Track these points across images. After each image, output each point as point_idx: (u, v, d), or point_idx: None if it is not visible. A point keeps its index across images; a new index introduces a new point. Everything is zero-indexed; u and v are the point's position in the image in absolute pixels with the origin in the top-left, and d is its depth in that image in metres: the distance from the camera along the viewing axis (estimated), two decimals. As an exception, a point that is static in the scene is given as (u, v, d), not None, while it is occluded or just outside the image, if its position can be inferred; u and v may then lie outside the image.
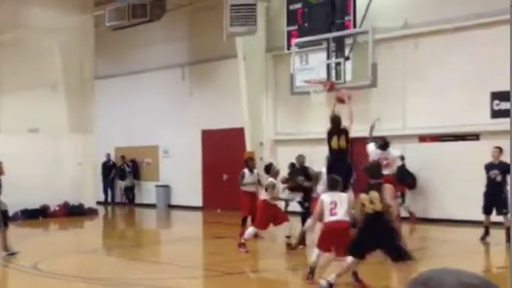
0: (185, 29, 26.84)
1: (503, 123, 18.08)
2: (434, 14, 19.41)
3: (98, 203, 26.67)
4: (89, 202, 25.27)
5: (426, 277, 1.85)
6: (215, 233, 19.63)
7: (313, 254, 11.48)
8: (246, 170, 17.04)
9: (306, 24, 21.31)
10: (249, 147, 23.27)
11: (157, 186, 27.81)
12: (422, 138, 20.03)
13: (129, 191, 28.96)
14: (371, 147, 15.25)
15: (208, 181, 25.94)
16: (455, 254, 13.95)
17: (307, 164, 16.80)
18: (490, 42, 18.35)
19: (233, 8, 21.12)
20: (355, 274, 10.95)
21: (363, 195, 9.81)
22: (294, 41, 20.55)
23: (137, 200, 28.84)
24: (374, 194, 9.67)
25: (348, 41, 19.72)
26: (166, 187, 27.60)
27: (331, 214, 11.14)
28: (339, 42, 19.63)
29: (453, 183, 18.80)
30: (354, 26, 20.05)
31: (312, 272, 11.31)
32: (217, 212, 24.58)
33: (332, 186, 11.56)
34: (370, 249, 10.08)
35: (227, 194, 23.64)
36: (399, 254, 9.76)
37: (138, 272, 13.00)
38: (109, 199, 29.55)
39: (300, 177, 16.07)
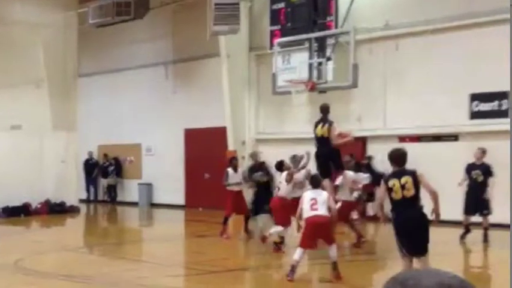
0: (169, 27, 26.88)
1: (481, 124, 18.37)
2: (414, 16, 19.60)
3: (80, 200, 26.68)
4: (71, 200, 25.28)
5: (405, 277, 1.85)
6: (197, 231, 19.69)
7: (296, 252, 11.67)
8: (229, 169, 17.09)
9: (289, 24, 21.36)
10: (231, 146, 23.39)
11: (139, 184, 27.84)
12: (402, 139, 20.18)
13: (112, 189, 28.97)
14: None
15: (190, 179, 26.02)
16: (433, 254, 14.10)
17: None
18: (470, 44, 18.59)
19: (217, 7, 21.17)
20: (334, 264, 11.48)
21: (392, 181, 9.31)
22: (277, 40, 20.65)
23: (119, 198, 28.83)
24: (408, 180, 9.27)
25: (330, 41, 19.82)
26: (149, 185, 27.64)
27: (312, 209, 11.43)
28: (321, 43, 19.72)
29: (432, 183, 18.92)
30: (336, 27, 20.22)
31: (292, 269, 11.50)
32: (199, 210, 24.66)
33: (314, 184, 11.90)
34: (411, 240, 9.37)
35: (209, 193, 23.74)
36: (421, 248, 9.34)
37: (119, 270, 13.05)
38: (91, 197, 29.55)
39: (257, 174, 16.25)
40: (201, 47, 24.27)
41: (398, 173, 9.36)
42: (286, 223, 14.49)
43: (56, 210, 24.29)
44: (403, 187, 9.20)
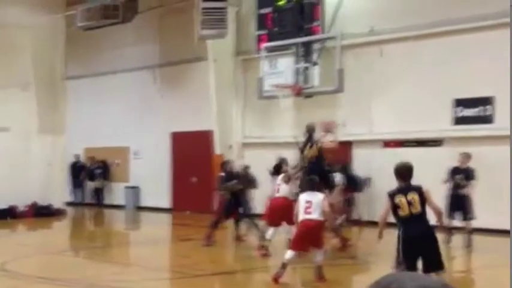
0: (156, 31, 26.93)
1: (465, 129, 18.55)
2: (399, 22, 19.71)
3: (67, 203, 26.68)
4: (58, 203, 25.29)
5: (388, 281, 1.86)
6: (183, 235, 19.76)
7: (287, 253, 11.80)
8: (222, 174, 17.20)
9: (276, 29, 21.49)
10: (217, 150, 23.48)
11: (126, 187, 27.86)
12: (387, 143, 20.35)
13: (99, 192, 28.98)
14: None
15: (177, 183, 26.07)
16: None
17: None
18: (453, 49, 18.75)
19: (204, 11, 21.28)
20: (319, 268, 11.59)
21: (398, 198, 9.02)
22: (263, 45, 20.79)
23: (106, 201, 28.81)
24: (414, 196, 9.02)
25: (316, 46, 19.99)
26: (136, 188, 27.66)
27: (306, 213, 11.54)
28: (307, 48, 19.89)
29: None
30: (322, 32, 20.33)
31: (282, 266, 11.64)
32: (186, 213, 24.71)
33: (309, 187, 11.99)
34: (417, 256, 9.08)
35: (196, 196, 23.82)
36: (440, 263, 9.16)
37: (105, 274, 13.08)
38: (78, 200, 29.53)
39: (231, 182, 16.35)
40: (189, 51, 24.36)
41: (405, 189, 9.04)
42: (291, 223, 14.20)
43: (42, 213, 24.28)
44: (409, 203, 8.93)
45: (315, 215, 11.50)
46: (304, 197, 11.78)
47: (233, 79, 23.93)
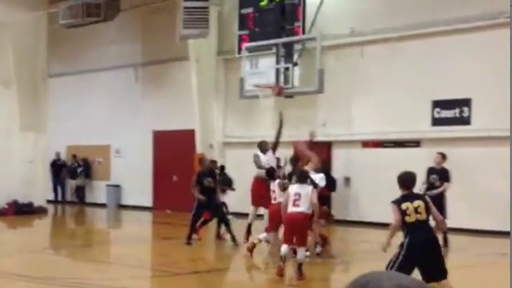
0: (138, 29, 27.00)
1: (443, 131, 18.79)
2: (379, 23, 19.90)
3: (48, 201, 26.68)
4: (39, 201, 25.26)
5: (365, 280, 1.86)
6: (164, 233, 19.83)
7: (282, 247, 11.99)
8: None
9: (257, 29, 21.59)
10: (199, 150, 23.59)
11: (108, 185, 27.92)
12: (366, 144, 20.56)
13: (80, 190, 29.00)
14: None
15: (158, 182, 26.17)
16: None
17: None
18: (433, 51, 18.98)
19: (186, 11, 21.32)
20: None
21: (406, 204, 9.04)
22: (245, 45, 20.88)
23: (88, 200, 28.87)
24: (420, 204, 9.10)
25: (297, 46, 20.08)
26: (117, 187, 27.73)
27: (294, 205, 11.79)
28: (288, 48, 19.92)
29: (393, 189, 19.26)
30: (303, 33, 20.48)
31: (281, 260, 11.87)
32: (167, 212, 24.80)
33: (300, 179, 12.21)
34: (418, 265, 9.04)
35: (177, 195, 23.92)
36: (444, 270, 9.11)
37: (85, 272, 13.11)
38: (59, 198, 29.55)
39: (207, 179, 16.45)
40: (171, 50, 24.44)
41: (411, 197, 9.15)
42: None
43: (23, 211, 24.26)
44: (415, 210, 9.01)
45: (302, 208, 11.76)
46: (293, 189, 12.03)
47: (215, 79, 24.05)
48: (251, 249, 14.50)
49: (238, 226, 16.94)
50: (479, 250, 13.66)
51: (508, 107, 17.70)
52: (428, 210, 9.06)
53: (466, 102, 18.52)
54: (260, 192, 15.61)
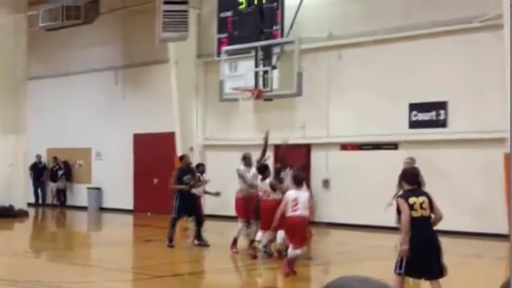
0: (118, 32, 27.07)
1: (420, 133, 19.05)
2: (357, 27, 20.12)
3: (29, 204, 26.64)
4: (20, 204, 25.19)
5: (337, 284, 1.88)
6: (145, 236, 19.90)
7: (289, 249, 12.40)
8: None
9: (236, 32, 21.78)
10: (179, 152, 23.68)
11: (89, 188, 27.95)
12: (344, 146, 20.77)
13: (61, 193, 28.99)
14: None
15: (139, 184, 26.24)
16: (372, 259, 14.59)
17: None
18: (409, 55, 19.23)
19: (165, 14, 21.40)
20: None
21: (412, 199, 9.09)
22: (224, 48, 21.06)
23: (69, 202, 28.87)
24: (425, 200, 9.14)
25: (276, 50, 20.25)
26: (98, 190, 27.77)
27: (293, 210, 12.13)
28: (267, 51, 20.10)
29: (372, 191, 19.50)
30: (282, 36, 20.64)
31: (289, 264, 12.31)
32: (148, 215, 24.88)
33: (297, 183, 12.54)
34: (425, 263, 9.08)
35: (158, 198, 24.00)
36: (444, 267, 9.13)
37: (66, 275, 13.10)
38: (39, 201, 29.52)
39: (187, 177, 16.59)
40: (151, 53, 24.52)
41: (416, 192, 9.24)
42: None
43: (3, 214, 24.16)
44: (421, 206, 9.06)
45: (301, 212, 12.16)
46: (291, 194, 12.34)
47: (195, 81, 24.18)
48: (255, 255, 14.60)
49: (214, 228, 17.08)
50: (455, 251, 13.87)
51: (483, 110, 18.07)
52: (431, 207, 9.14)
53: (442, 105, 18.79)
54: (245, 208, 15.60)
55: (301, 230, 12.34)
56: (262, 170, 14.89)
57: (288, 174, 14.48)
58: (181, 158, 17.57)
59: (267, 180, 14.53)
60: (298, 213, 12.16)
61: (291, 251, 12.25)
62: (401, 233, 9.22)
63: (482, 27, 17.87)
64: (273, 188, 14.33)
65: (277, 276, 13.76)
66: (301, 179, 12.71)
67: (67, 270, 14.00)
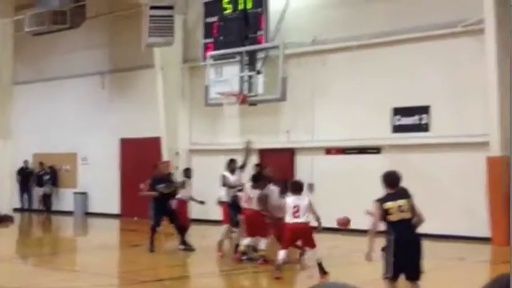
0: (105, 37, 27.12)
1: (403, 137, 19.23)
2: (341, 32, 20.27)
3: (14, 210, 26.61)
4: (6, 209, 25.18)
5: None
6: (131, 240, 19.93)
7: (280, 254, 12.58)
8: (186, 179, 17.48)
9: (221, 37, 21.82)
10: (165, 157, 23.78)
11: (75, 193, 27.95)
12: (328, 151, 20.91)
13: (47, 198, 28.98)
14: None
15: (125, 189, 26.24)
16: (357, 263, 14.69)
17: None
18: (393, 59, 19.39)
19: (151, 19, 21.46)
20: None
21: (389, 203, 9.19)
22: (209, 53, 21.17)
23: (55, 207, 28.83)
24: (404, 202, 9.24)
25: (260, 55, 20.35)
26: (84, 194, 27.78)
27: (294, 217, 12.35)
28: (252, 56, 20.22)
29: (356, 194, 19.58)
30: (266, 41, 20.75)
31: (278, 268, 12.56)
32: (134, 220, 24.90)
33: (295, 190, 12.73)
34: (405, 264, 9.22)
35: (144, 202, 23.98)
36: (419, 271, 9.27)
37: (52, 280, 13.18)
38: (25, 206, 29.48)
39: (161, 185, 16.69)
40: (137, 57, 24.54)
41: (394, 196, 9.29)
42: (265, 234, 14.40)
43: (-11, 220, 24.20)
44: (399, 209, 9.14)
45: (303, 218, 12.36)
46: (292, 201, 12.52)
47: (180, 86, 24.25)
48: (240, 258, 14.65)
49: (199, 232, 17.15)
50: (438, 254, 14.03)
51: (465, 114, 18.27)
52: (412, 209, 9.22)
53: (425, 110, 18.97)
54: (229, 213, 15.71)
55: (306, 234, 12.57)
56: (257, 178, 14.80)
57: (273, 191, 14.35)
58: (155, 166, 17.62)
59: (257, 191, 14.48)
60: (299, 220, 12.39)
61: (316, 256, 12.61)
62: (384, 236, 9.31)
63: (464, 32, 18.06)
64: (261, 201, 14.28)
65: (261, 280, 13.91)
66: (301, 186, 12.89)
67: (53, 276, 14.06)
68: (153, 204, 16.81)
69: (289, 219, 12.49)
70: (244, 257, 14.63)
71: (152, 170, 17.52)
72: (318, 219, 12.81)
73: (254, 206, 14.39)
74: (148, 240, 16.64)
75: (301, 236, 12.61)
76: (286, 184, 13.89)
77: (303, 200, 12.58)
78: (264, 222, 14.29)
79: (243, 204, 14.77)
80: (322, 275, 12.49)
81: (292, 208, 12.42)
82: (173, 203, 17.36)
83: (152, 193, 16.63)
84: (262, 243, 14.27)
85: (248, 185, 14.76)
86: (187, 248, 16.58)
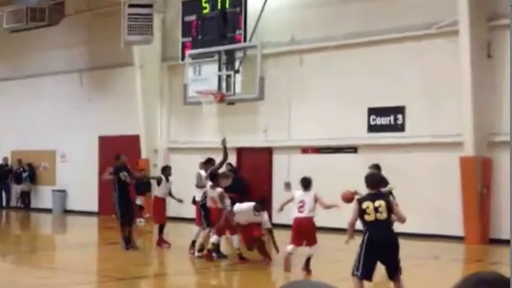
0: (84, 34, 27.09)
1: (378, 137, 19.46)
2: (318, 32, 20.44)
3: (-8, 207, 26.59)
4: (-16, 207, 25.20)
5: None
6: (109, 238, 19.87)
7: (288, 247, 12.91)
8: (163, 177, 17.57)
9: (200, 36, 21.94)
10: (144, 155, 23.89)
11: (53, 190, 27.94)
12: (305, 150, 21.10)
13: (25, 196, 28.94)
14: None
15: (104, 187, 26.18)
16: (333, 261, 14.87)
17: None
18: (368, 60, 19.59)
19: (130, 17, 21.51)
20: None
21: (366, 204, 9.46)
22: (188, 52, 21.28)
23: (33, 205, 28.81)
24: (381, 203, 9.46)
25: (238, 54, 20.47)
26: (63, 192, 27.77)
27: (299, 211, 12.70)
28: (230, 55, 20.31)
29: (331, 193, 19.69)
30: (244, 40, 20.88)
31: (286, 261, 12.90)
32: (113, 217, 24.87)
33: (304, 186, 13.04)
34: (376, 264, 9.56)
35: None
36: (397, 268, 9.61)
37: (30, 278, 13.20)
38: (4, 203, 29.42)
39: (122, 173, 16.73)
40: (116, 55, 24.59)
41: (373, 196, 9.53)
42: (234, 231, 14.48)
43: (-33, 217, 24.16)
44: (376, 210, 9.37)
45: (306, 213, 12.68)
46: (298, 196, 12.91)
47: (159, 85, 24.34)
48: (208, 255, 14.72)
49: (175, 230, 17.13)
50: (412, 253, 14.22)
51: (440, 115, 18.53)
52: (390, 210, 9.48)
53: (400, 110, 19.21)
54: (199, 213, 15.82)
55: (308, 229, 12.81)
56: (214, 177, 14.94)
57: (246, 211, 14.20)
58: (118, 157, 17.62)
59: (218, 189, 14.63)
60: (304, 214, 12.69)
61: (310, 251, 12.80)
62: (361, 235, 9.58)
63: (439, 33, 18.31)
64: (221, 199, 14.50)
65: (236, 277, 14.04)
66: (309, 182, 13.11)
67: (31, 273, 14.06)
68: (118, 201, 16.82)
69: (294, 213, 12.87)
70: (214, 254, 14.75)
71: (115, 160, 17.46)
72: (328, 207, 12.95)
73: (219, 204, 14.58)
74: (121, 237, 16.67)
75: (304, 231, 12.83)
76: (262, 201, 14.26)
77: (309, 195, 12.84)
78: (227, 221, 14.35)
79: (208, 203, 14.97)
80: (305, 271, 12.69)
81: (298, 203, 12.80)
82: (139, 200, 17.42)
83: (112, 177, 16.64)
84: (235, 241, 14.43)
85: (208, 184, 14.90)
86: (131, 246, 16.58)
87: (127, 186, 16.75)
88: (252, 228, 13.87)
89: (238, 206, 14.07)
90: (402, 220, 9.88)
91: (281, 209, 13.52)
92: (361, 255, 9.40)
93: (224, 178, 15.18)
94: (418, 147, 18.80)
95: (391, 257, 9.50)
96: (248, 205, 14.00)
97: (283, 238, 13.82)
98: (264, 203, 14.36)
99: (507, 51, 17.13)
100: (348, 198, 11.77)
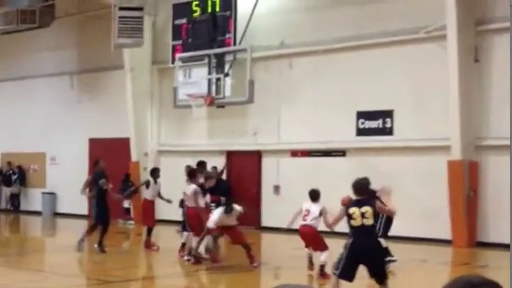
0: (74, 37, 27.11)
1: (367, 141, 19.56)
2: (307, 36, 20.51)
3: (-18, 209, 26.53)
4: (-27, 209, 25.15)
5: None
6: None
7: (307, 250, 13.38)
8: (151, 180, 17.60)
9: (190, 40, 22.02)
10: (134, 158, 23.92)
11: (43, 193, 27.91)
12: (294, 153, 21.17)
13: (15, 198, 28.89)
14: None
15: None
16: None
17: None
18: (357, 64, 19.68)
19: (121, 20, 21.57)
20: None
21: (353, 209, 9.68)
22: (178, 55, 21.35)
23: (23, 207, 28.75)
24: (368, 209, 9.65)
25: (228, 57, 20.58)
26: (53, 194, 27.75)
27: (303, 219, 13.03)
28: (220, 59, 20.43)
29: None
30: (234, 44, 20.95)
31: (310, 261, 13.41)
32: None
33: (312, 198, 13.28)
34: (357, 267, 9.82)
35: (112, 203, 24.07)
36: (383, 273, 9.88)
37: (20, 281, 13.23)
38: (-7, 206, 29.40)
39: (102, 181, 16.84)
40: (106, 58, 24.58)
41: (360, 202, 9.75)
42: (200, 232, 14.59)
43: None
44: (362, 215, 9.56)
45: (308, 222, 12.94)
46: (305, 206, 13.20)
47: (149, 88, 24.37)
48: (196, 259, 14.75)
49: (164, 232, 17.13)
50: (401, 256, 14.29)
51: (428, 119, 18.64)
52: (376, 216, 9.82)
53: (388, 114, 19.32)
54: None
55: (312, 236, 13.03)
56: (192, 173, 15.37)
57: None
58: (97, 162, 17.71)
59: (192, 186, 14.90)
60: (306, 222, 12.96)
61: (321, 257, 12.94)
62: (347, 238, 9.89)
63: (427, 38, 18.42)
64: (194, 195, 14.76)
65: (224, 280, 14.10)
66: (318, 194, 13.27)
67: (21, 276, 14.09)
68: (97, 204, 16.91)
69: (300, 222, 13.15)
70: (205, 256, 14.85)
71: (94, 167, 17.58)
72: (328, 225, 12.54)
73: (193, 203, 14.79)
74: (99, 239, 16.71)
75: (307, 238, 13.12)
76: (230, 203, 14.24)
77: (316, 206, 13.03)
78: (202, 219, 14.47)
79: (186, 202, 15.14)
80: (321, 277, 12.79)
81: (304, 211, 13.07)
82: (127, 203, 17.44)
83: (92, 193, 16.83)
84: (210, 241, 14.56)
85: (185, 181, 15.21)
86: (101, 249, 16.59)
87: (105, 192, 16.85)
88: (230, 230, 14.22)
89: (212, 217, 14.12)
90: (391, 213, 10.61)
91: (289, 225, 13.56)
92: (343, 257, 9.72)
93: (208, 179, 15.29)
94: (406, 151, 18.90)
95: (375, 262, 9.74)
96: (219, 211, 14.13)
97: (271, 241, 13.90)
98: (231, 202, 14.32)
99: (494, 55, 17.29)
100: (347, 204, 12.02)
